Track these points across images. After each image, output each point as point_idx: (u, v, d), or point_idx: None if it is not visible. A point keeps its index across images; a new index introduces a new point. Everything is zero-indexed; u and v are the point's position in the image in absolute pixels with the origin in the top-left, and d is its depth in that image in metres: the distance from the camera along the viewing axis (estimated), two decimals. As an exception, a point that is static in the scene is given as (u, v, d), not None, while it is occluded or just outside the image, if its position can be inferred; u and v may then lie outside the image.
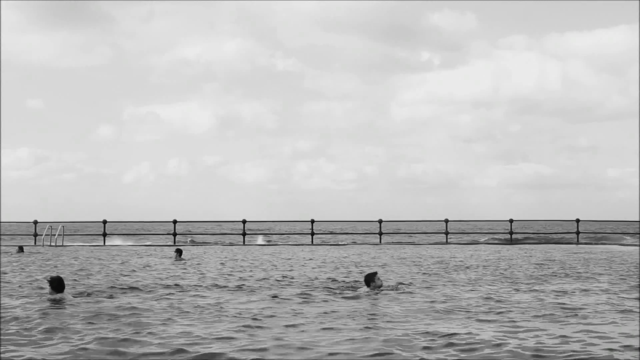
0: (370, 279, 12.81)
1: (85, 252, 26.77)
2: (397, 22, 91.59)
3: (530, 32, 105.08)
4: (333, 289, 13.46)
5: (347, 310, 10.46)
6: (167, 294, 12.59)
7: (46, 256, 24.36)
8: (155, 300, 11.80)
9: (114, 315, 9.93)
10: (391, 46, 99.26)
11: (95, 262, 21.33)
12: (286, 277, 16.26)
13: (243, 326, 9.15)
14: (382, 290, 12.66)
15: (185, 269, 18.75)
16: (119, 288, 13.60)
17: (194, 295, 12.48)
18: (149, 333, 8.62)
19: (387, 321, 9.51)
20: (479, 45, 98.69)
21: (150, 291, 13.14)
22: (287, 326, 9.19)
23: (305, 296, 12.29)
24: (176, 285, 14.28)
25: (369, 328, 8.95)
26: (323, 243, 35.07)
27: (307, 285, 14.22)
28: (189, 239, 36.84)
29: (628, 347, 7.85)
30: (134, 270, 18.16)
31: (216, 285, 14.33)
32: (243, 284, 14.44)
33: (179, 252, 23.00)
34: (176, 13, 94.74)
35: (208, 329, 8.93)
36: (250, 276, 16.37)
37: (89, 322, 9.35)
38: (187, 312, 10.41)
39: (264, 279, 15.77)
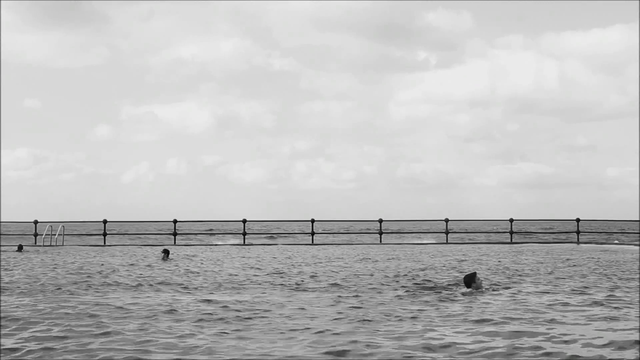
0: (471, 280, 12.77)
1: (81, 252, 26.68)
2: (392, 21, 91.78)
3: (526, 32, 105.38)
4: (412, 288, 13.48)
5: (477, 312, 10.32)
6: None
7: (42, 255, 24.28)
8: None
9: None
10: (387, 46, 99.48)
11: (74, 261, 21.28)
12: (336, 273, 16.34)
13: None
14: (479, 290, 12.54)
15: (162, 268, 18.72)
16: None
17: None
18: None
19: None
20: (475, 45, 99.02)
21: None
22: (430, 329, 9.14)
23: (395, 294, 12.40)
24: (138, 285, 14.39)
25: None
26: (324, 242, 34.98)
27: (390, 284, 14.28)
28: None
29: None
30: (99, 271, 17.92)
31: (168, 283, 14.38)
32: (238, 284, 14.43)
33: (166, 252, 23.06)
34: (172, 13, 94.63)
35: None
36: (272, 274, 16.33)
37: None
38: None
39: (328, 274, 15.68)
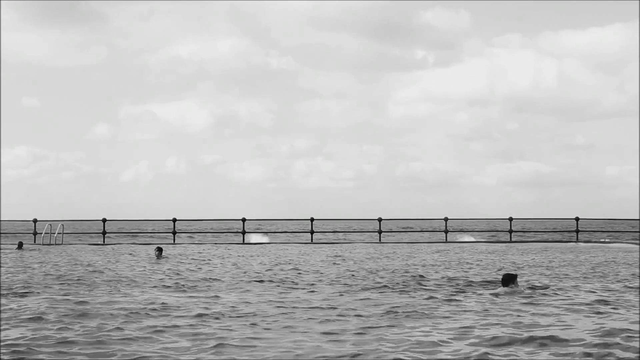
0: (510, 280, 12.43)
1: (79, 250, 26.69)
2: (390, 20, 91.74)
3: (524, 31, 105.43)
4: (411, 287, 13.51)
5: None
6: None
7: (40, 253, 24.29)
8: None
9: None
10: (385, 44, 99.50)
11: (71, 260, 21.27)
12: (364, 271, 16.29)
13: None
14: (516, 292, 12.21)
15: (144, 267, 18.63)
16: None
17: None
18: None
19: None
20: (473, 44, 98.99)
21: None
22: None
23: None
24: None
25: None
26: (323, 241, 34.94)
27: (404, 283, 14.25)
28: None
29: None
30: (79, 269, 17.91)
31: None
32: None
33: (159, 250, 23.04)
34: (171, 12, 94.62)
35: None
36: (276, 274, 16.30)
37: None
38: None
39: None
